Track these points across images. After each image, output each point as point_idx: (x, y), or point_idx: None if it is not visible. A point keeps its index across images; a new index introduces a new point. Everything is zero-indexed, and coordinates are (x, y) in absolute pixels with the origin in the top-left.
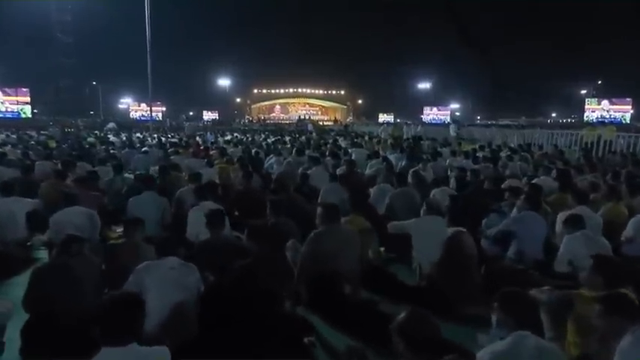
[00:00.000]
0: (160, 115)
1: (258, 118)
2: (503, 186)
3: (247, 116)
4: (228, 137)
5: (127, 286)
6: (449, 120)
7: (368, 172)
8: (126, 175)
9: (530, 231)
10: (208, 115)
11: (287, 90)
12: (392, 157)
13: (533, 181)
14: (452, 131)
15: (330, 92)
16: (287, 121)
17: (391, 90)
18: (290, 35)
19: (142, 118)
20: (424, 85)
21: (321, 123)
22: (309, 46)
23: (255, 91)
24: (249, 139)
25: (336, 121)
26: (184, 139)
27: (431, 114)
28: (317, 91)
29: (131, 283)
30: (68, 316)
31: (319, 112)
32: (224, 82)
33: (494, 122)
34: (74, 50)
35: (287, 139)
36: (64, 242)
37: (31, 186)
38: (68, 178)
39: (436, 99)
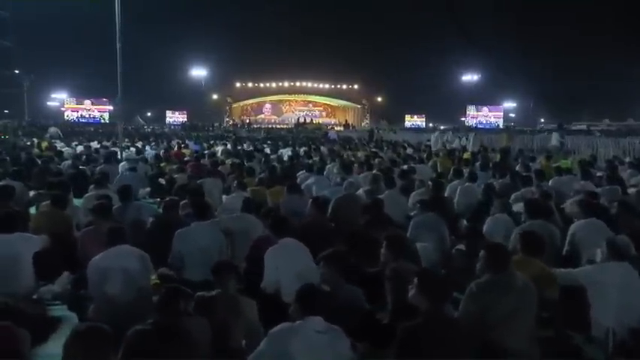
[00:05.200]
0: (106, 116)
1: (241, 121)
2: None
3: (227, 118)
4: (220, 147)
5: (260, 354)
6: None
7: (457, 198)
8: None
9: None
10: (175, 117)
11: (281, 84)
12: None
13: None
14: (554, 140)
15: (339, 87)
16: (281, 125)
17: (422, 85)
18: (286, 13)
19: (82, 121)
20: (469, 77)
21: (332, 128)
22: (312, 27)
23: (238, 85)
24: (252, 149)
25: (347, 125)
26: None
27: (479, 115)
28: (321, 86)
29: (267, 352)
30: None
31: (324, 113)
32: (198, 72)
33: (564, 126)
34: None
35: (301, 150)
36: (166, 297)
37: (18, 217)
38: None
39: (484, 97)
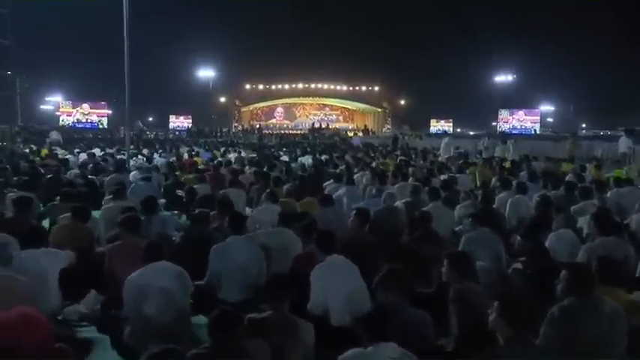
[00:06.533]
0: (104, 120)
1: (251, 126)
2: None
3: (235, 123)
4: (233, 155)
5: None
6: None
7: (507, 212)
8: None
9: None
10: (179, 122)
11: (294, 86)
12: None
13: None
14: (623, 146)
15: (357, 89)
16: (295, 131)
17: (449, 87)
18: (300, 9)
19: (79, 125)
20: (503, 78)
21: (355, 134)
22: (328, 25)
23: (248, 87)
24: (266, 155)
25: (366, 130)
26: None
27: (512, 120)
28: (338, 88)
29: None
30: None
31: (341, 118)
32: (204, 73)
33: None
34: None
35: (323, 157)
36: (220, 321)
37: (44, 231)
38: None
39: (518, 99)
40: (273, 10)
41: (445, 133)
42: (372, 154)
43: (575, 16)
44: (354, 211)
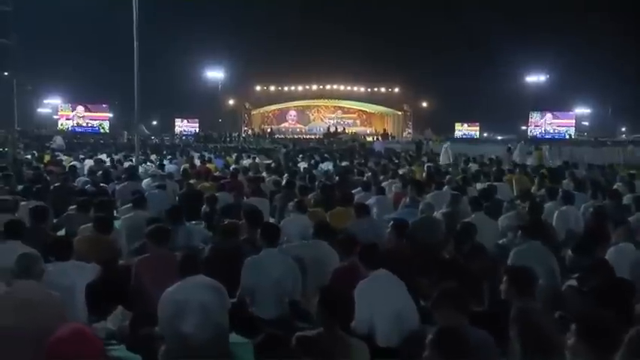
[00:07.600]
0: (105, 124)
1: (262, 130)
2: None
3: (245, 127)
4: (246, 161)
5: None
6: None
7: (554, 224)
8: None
9: None
10: (185, 126)
11: (308, 87)
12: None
13: None
14: None
15: (376, 90)
16: (309, 135)
17: (475, 88)
18: (314, 5)
19: (78, 129)
20: (535, 79)
21: (377, 138)
22: (344, 21)
23: (258, 88)
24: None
25: (385, 134)
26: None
27: (545, 123)
28: (355, 89)
29: None
30: None
31: (358, 122)
32: (212, 74)
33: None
34: None
35: (343, 164)
36: (265, 343)
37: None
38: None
39: (551, 102)
40: (286, 8)
41: (447, 139)
42: (396, 161)
43: (612, 13)
44: (390, 223)
